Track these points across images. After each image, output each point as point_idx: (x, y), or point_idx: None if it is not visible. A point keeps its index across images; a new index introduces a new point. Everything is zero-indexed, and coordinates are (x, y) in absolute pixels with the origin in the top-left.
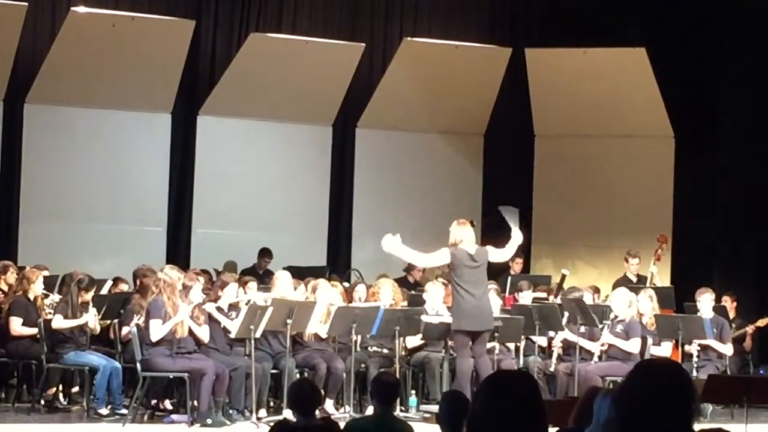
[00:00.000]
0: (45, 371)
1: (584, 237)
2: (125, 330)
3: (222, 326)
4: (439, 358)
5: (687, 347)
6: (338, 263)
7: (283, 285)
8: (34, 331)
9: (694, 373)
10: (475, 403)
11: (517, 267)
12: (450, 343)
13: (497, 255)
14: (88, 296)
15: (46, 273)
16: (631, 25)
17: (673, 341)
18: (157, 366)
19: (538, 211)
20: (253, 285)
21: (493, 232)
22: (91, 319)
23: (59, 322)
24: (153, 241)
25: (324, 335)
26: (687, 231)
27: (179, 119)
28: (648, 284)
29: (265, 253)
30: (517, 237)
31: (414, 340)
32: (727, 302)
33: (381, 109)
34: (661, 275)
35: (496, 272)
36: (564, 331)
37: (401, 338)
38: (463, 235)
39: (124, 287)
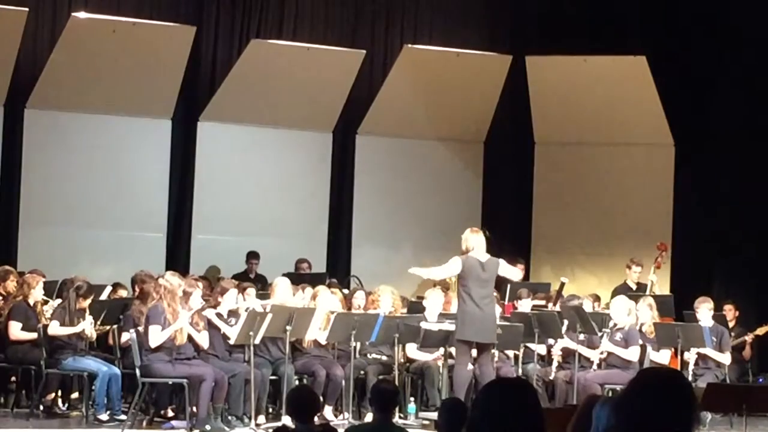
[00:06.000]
0: (44, 376)
1: (584, 245)
2: (125, 336)
3: (221, 332)
4: (439, 366)
5: (686, 355)
6: (338, 270)
7: (283, 291)
8: (33, 336)
9: (692, 380)
10: (474, 411)
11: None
12: (450, 350)
13: (508, 271)
14: (86, 303)
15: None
16: (632, 33)
17: (672, 349)
18: (156, 372)
19: (537, 219)
20: (251, 291)
21: (495, 242)
22: (88, 327)
23: (55, 329)
24: (153, 247)
25: (323, 342)
26: (687, 239)
27: (179, 125)
28: (648, 292)
29: (252, 256)
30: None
31: (416, 354)
32: (730, 311)
33: (381, 116)
34: (661, 283)
35: (497, 281)
36: (563, 339)
37: (400, 345)
38: (475, 243)
39: (123, 293)
